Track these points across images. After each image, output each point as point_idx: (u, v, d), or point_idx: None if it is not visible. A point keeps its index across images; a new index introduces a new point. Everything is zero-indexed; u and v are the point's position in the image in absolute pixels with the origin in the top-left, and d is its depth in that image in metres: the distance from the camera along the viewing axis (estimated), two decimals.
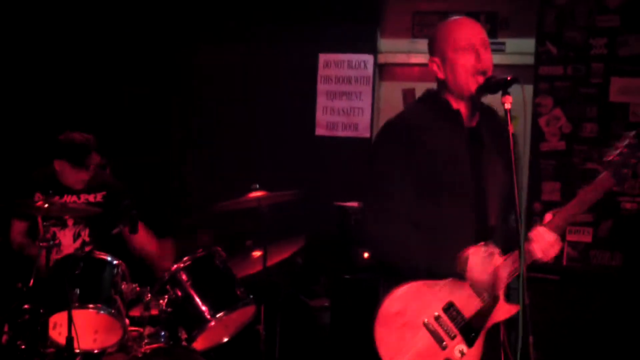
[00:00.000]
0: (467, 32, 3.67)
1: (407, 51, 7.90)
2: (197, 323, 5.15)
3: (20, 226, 6.09)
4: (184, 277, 5.23)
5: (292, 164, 7.73)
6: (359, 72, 7.92)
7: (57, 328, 5.03)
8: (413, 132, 3.71)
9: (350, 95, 7.95)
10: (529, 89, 7.07)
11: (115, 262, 5.28)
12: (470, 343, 3.57)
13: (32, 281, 5.21)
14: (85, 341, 5.02)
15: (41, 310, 4.93)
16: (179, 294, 5.20)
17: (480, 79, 3.59)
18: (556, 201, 6.81)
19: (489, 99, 3.72)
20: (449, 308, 3.58)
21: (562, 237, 3.61)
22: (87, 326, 5.09)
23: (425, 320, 3.57)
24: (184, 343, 5.16)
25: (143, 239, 6.15)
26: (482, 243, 3.57)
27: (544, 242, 3.52)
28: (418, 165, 3.65)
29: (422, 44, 7.60)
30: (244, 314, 5.44)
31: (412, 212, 3.67)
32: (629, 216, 6.80)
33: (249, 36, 8.22)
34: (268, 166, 7.66)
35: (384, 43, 8.03)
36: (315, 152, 7.95)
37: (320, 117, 8.05)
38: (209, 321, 5.14)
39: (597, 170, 3.54)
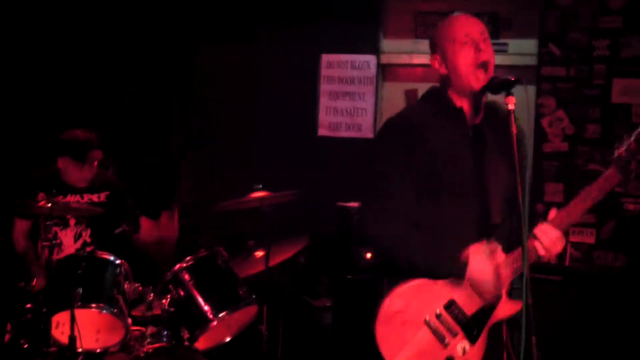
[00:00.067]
0: (465, 27, 3.68)
1: (409, 52, 7.90)
2: (200, 323, 5.14)
3: (22, 225, 6.09)
4: (186, 276, 5.22)
5: (294, 164, 7.73)
6: (361, 73, 7.93)
7: (60, 327, 5.02)
8: (414, 131, 3.70)
9: (353, 96, 7.96)
10: (532, 89, 7.06)
11: (117, 261, 5.28)
12: (472, 340, 3.56)
13: (34, 281, 5.22)
14: (88, 340, 5.01)
15: (44, 310, 4.92)
16: (182, 293, 5.19)
17: (482, 73, 3.59)
18: (559, 202, 6.73)
19: (489, 98, 3.72)
20: (451, 306, 3.57)
21: (566, 236, 3.59)
22: (89, 325, 5.09)
23: (427, 318, 3.56)
24: (186, 343, 5.15)
25: (147, 232, 6.15)
26: (484, 240, 3.57)
27: (547, 239, 3.48)
28: (418, 164, 3.64)
29: (425, 44, 7.55)
30: (246, 313, 5.43)
31: (413, 212, 3.67)
32: (632, 217, 6.80)
33: (249, 36, 8.22)
34: (269, 166, 7.66)
35: (386, 44, 8.04)
36: (317, 152, 7.95)
37: (323, 117, 8.05)
38: (211, 321, 5.13)
39: (600, 171, 3.53)
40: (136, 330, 5.25)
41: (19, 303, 5.06)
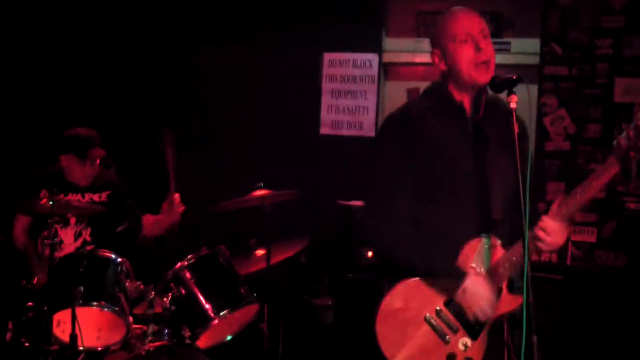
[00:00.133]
0: (464, 23, 3.67)
1: (411, 50, 7.90)
2: (201, 321, 5.14)
3: (24, 222, 6.09)
4: (187, 275, 5.22)
5: (296, 163, 7.72)
6: (363, 71, 7.93)
7: (61, 325, 5.02)
8: (413, 128, 3.71)
9: (355, 94, 7.96)
10: (534, 88, 7.06)
11: (119, 259, 5.29)
12: (474, 336, 3.56)
13: (35, 280, 5.21)
14: (89, 339, 5.00)
15: (45, 308, 4.91)
16: (183, 292, 5.19)
17: (482, 70, 3.59)
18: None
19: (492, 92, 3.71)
20: (451, 302, 3.58)
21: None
22: (90, 324, 5.10)
23: (427, 315, 3.57)
24: (187, 341, 5.14)
25: (150, 228, 6.19)
26: (483, 235, 3.59)
27: (549, 231, 3.48)
28: (418, 162, 3.65)
29: (427, 43, 7.49)
30: (247, 312, 5.43)
31: (413, 210, 3.68)
32: (634, 216, 6.80)
33: (249, 36, 8.23)
34: (270, 166, 7.65)
35: (388, 42, 8.04)
36: (319, 151, 7.96)
37: (325, 116, 8.05)
38: (212, 319, 5.13)
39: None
40: (137, 328, 5.26)
41: (20, 301, 5.06)
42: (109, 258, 5.27)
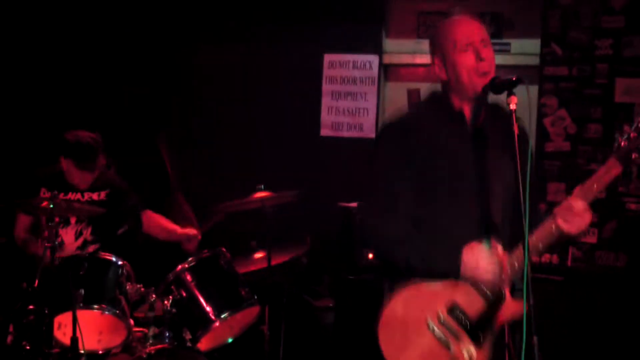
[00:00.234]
0: (465, 31, 3.64)
1: (412, 51, 7.89)
2: (202, 324, 5.15)
3: (25, 221, 6.09)
4: (188, 277, 5.23)
5: (296, 164, 7.72)
6: (364, 73, 7.92)
7: (62, 328, 5.03)
8: (413, 131, 3.69)
9: (355, 96, 7.95)
10: (534, 89, 7.05)
11: (119, 262, 5.29)
12: (477, 343, 3.52)
13: (37, 282, 5.20)
14: (90, 342, 5.00)
15: (46, 311, 4.92)
16: (184, 294, 5.20)
17: (483, 80, 3.56)
18: (561, 202, 6.80)
19: (492, 98, 3.70)
20: (453, 309, 3.54)
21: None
22: (91, 327, 5.10)
23: (429, 322, 3.54)
24: (188, 344, 5.15)
25: (160, 222, 6.22)
26: (483, 239, 3.55)
27: (572, 212, 3.44)
28: (418, 164, 3.63)
29: (427, 44, 7.60)
30: (248, 314, 5.44)
31: (413, 212, 3.65)
32: (634, 217, 6.80)
33: (249, 36, 8.22)
34: (270, 167, 7.65)
35: (389, 43, 8.03)
36: (319, 152, 7.95)
37: (325, 117, 8.04)
38: (213, 322, 5.14)
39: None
40: (138, 331, 5.27)
41: (21, 304, 5.05)
42: (109, 261, 5.28)
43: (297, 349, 6.57)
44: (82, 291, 4.98)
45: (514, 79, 3.39)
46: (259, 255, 6.08)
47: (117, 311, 5.06)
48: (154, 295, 5.19)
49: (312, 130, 8.05)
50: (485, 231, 3.60)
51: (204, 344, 5.25)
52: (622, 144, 3.41)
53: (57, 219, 5.60)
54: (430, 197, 3.64)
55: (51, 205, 5.10)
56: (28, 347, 4.96)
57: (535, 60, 7.28)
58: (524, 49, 7.44)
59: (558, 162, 7.06)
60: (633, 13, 6.85)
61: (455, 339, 3.52)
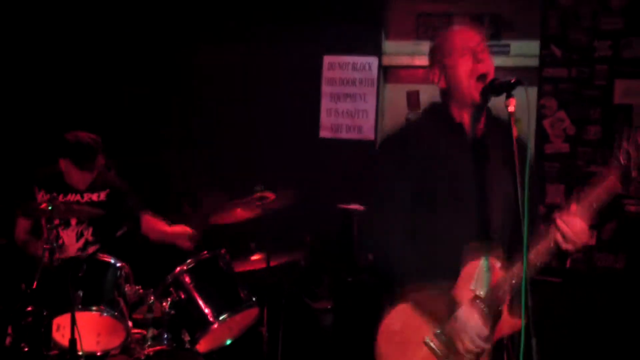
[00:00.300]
0: (462, 37, 3.66)
1: (411, 53, 7.88)
2: (200, 325, 5.15)
3: (25, 224, 6.09)
4: (187, 279, 5.23)
5: (296, 166, 7.71)
6: (363, 74, 7.92)
7: (61, 330, 5.02)
8: (410, 146, 3.70)
9: (354, 97, 7.95)
10: (533, 91, 7.06)
11: (118, 264, 5.28)
12: (474, 358, 3.49)
13: (35, 283, 5.20)
14: (88, 343, 5.01)
15: (44, 312, 4.92)
16: (182, 296, 5.21)
17: (482, 84, 3.55)
18: (560, 204, 6.80)
19: (494, 109, 3.70)
20: (450, 325, 3.52)
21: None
22: (90, 328, 5.09)
23: (426, 337, 3.52)
24: (186, 345, 5.15)
25: (152, 227, 6.20)
26: (482, 255, 3.54)
27: (570, 230, 3.39)
28: (417, 174, 3.63)
29: (427, 46, 7.44)
30: (247, 316, 5.44)
31: (411, 222, 3.65)
32: (633, 218, 6.79)
33: (249, 36, 8.22)
34: (270, 166, 7.65)
35: (388, 45, 8.03)
36: (319, 153, 7.96)
37: (325, 119, 8.04)
38: (212, 323, 5.14)
39: (602, 173, 3.49)
40: (137, 333, 5.26)
41: (20, 306, 5.05)
42: (108, 262, 5.27)
43: (296, 351, 6.56)
44: (81, 293, 4.98)
45: (512, 80, 3.37)
46: (257, 257, 6.07)
47: (116, 313, 5.06)
48: (152, 297, 5.19)
49: (311, 132, 8.06)
50: (483, 243, 3.58)
51: (202, 346, 5.24)
52: (622, 162, 3.40)
53: (57, 221, 5.64)
54: (430, 209, 3.64)
55: (50, 207, 5.10)
56: (26, 349, 4.95)
57: (534, 62, 7.27)
58: (523, 51, 7.43)
59: (557, 164, 7.06)
60: (632, 14, 6.85)
61: (452, 353, 3.51)
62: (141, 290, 5.26)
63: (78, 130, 6.04)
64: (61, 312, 4.92)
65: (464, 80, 3.59)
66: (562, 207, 3.51)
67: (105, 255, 5.32)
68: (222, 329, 5.31)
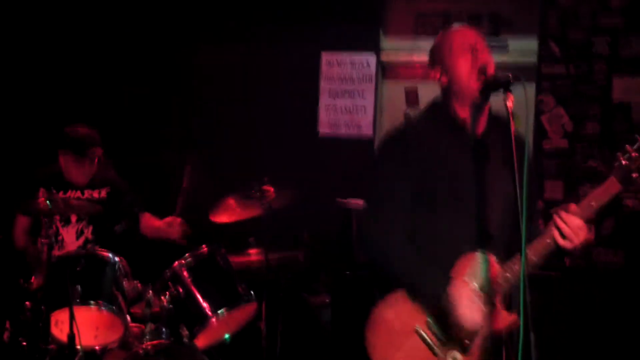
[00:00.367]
0: (462, 35, 3.70)
1: (410, 50, 7.89)
2: (199, 320, 5.16)
3: (24, 222, 6.10)
4: (185, 274, 5.24)
5: (294, 163, 7.70)
6: (361, 71, 7.93)
7: (59, 325, 5.04)
8: (410, 147, 3.71)
9: (353, 94, 7.95)
10: (531, 87, 7.09)
11: (116, 259, 5.30)
12: (464, 350, 3.52)
13: (33, 279, 5.22)
14: (87, 338, 5.02)
15: (43, 307, 4.93)
16: (181, 290, 5.20)
17: (482, 79, 3.56)
18: (558, 199, 6.82)
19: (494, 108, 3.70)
20: (441, 315, 3.54)
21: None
22: (88, 323, 5.10)
23: (417, 326, 3.55)
24: (185, 340, 5.15)
25: (149, 225, 6.22)
26: (480, 251, 3.56)
27: (567, 226, 3.44)
28: (417, 175, 3.65)
29: (425, 42, 7.57)
30: (245, 311, 5.45)
31: (411, 222, 3.67)
32: (632, 214, 6.79)
33: (249, 36, 8.22)
34: (270, 165, 7.63)
35: (386, 42, 8.03)
36: (317, 150, 7.96)
37: (323, 115, 8.05)
38: (210, 318, 5.14)
39: (599, 169, 3.51)
40: (135, 327, 5.28)
41: (18, 301, 5.06)
42: (106, 258, 5.28)
43: (294, 346, 6.57)
44: (79, 288, 4.99)
45: (510, 76, 3.38)
46: (256, 252, 6.08)
47: (114, 307, 5.07)
48: (150, 292, 5.19)
49: (310, 130, 8.07)
50: (481, 243, 3.60)
51: (201, 341, 5.25)
52: (623, 162, 3.41)
53: (57, 217, 5.66)
54: (430, 209, 3.65)
55: (48, 202, 5.11)
56: (25, 344, 4.99)
57: (532, 58, 7.29)
58: (522, 48, 7.43)
59: (555, 160, 7.07)
60: (631, 12, 6.86)
61: (442, 344, 3.53)
62: (139, 285, 5.28)
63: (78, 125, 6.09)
64: (59, 307, 4.94)
65: (464, 76, 3.61)
66: (562, 205, 3.53)
67: (104, 251, 5.33)
68: (221, 324, 5.30)
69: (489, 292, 3.49)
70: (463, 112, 3.70)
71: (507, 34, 7.50)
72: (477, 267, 3.54)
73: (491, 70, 3.58)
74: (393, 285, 3.63)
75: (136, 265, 5.46)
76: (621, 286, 6.18)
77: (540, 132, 7.13)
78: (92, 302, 5.03)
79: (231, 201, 5.98)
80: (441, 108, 3.78)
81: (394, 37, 8.01)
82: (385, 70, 8.11)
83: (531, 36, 7.33)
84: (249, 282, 5.45)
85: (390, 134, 3.89)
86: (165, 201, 7.24)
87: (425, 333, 3.54)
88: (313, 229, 7.04)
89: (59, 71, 8.19)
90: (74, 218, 6.03)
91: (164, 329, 5.13)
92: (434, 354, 3.53)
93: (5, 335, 5.10)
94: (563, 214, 3.46)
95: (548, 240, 3.46)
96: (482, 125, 3.73)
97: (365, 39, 7.93)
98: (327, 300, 6.86)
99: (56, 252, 5.55)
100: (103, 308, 5.05)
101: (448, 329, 3.52)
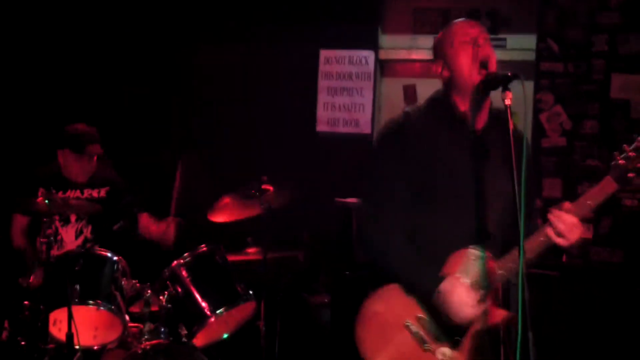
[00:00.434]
0: (464, 29, 3.70)
1: (408, 47, 7.89)
2: (198, 319, 5.17)
3: (21, 221, 6.10)
4: (184, 273, 5.25)
5: (294, 161, 7.71)
6: (360, 68, 7.92)
7: (57, 324, 5.05)
8: (412, 137, 3.72)
9: (351, 92, 7.95)
10: (530, 85, 7.09)
11: (115, 258, 5.30)
12: (454, 346, 3.53)
13: (32, 278, 5.22)
14: (85, 337, 5.03)
15: (41, 307, 4.93)
16: (179, 290, 5.22)
17: (482, 71, 3.57)
18: (557, 197, 6.81)
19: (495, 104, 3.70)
20: (431, 309, 3.55)
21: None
22: (87, 322, 5.11)
23: (407, 321, 3.57)
24: (184, 339, 5.17)
25: (146, 227, 6.21)
26: (476, 247, 3.57)
27: (562, 224, 3.43)
28: (415, 171, 3.65)
29: (423, 40, 7.68)
30: (244, 310, 5.45)
31: (409, 219, 3.67)
32: (629, 213, 6.78)
33: (249, 36, 8.23)
34: (270, 165, 7.63)
35: (385, 39, 8.03)
36: (316, 148, 7.97)
37: (322, 113, 8.05)
38: (209, 317, 5.15)
39: (598, 167, 3.51)
40: (134, 327, 5.28)
41: (16, 300, 5.07)
42: (105, 257, 5.28)
43: (293, 345, 6.58)
44: (78, 287, 4.99)
45: (509, 74, 3.38)
46: (255, 251, 6.08)
47: (113, 307, 5.07)
48: (149, 291, 5.21)
49: (309, 128, 8.07)
50: (478, 241, 3.60)
51: (199, 340, 5.26)
52: (620, 162, 3.42)
53: (56, 217, 5.67)
54: (427, 205, 3.66)
55: (46, 201, 5.12)
56: (23, 343, 4.99)
57: (531, 56, 7.27)
58: (520, 45, 7.41)
59: (554, 158, 7.06)
60: (629, 10, 6.85)
61: (432, 339, 3.54)
62: (138, 285, 5.29)
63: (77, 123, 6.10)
64: (58, 306, 4.95)
65: (465, 69, 3.62)
66: (559, 203, 3.53)
67: (102, 250, 5.34)
68: (219, 323, 5.32)
69: (483, 288, 3.50)
70: (463, 106, 3.70)
71: (506, 31, 7.50)
72: (469, 263, 3.55)
73: (493, 64, 3.59)
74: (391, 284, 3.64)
75: (135, 264, 5.46)
76: (619, 285, 6.17)
77: (538, 130, 7.12)
78: (90, 301, 5.04)
79: (230, 200, 5.95)
80: (441, 103, 3.79)
81: (393, 35, 8.00)
82: (383, 68, 8.10)
83: (530, 34, 7.31)
84: (248, 281, 5.45)
85: (388, 129, 3.89)
86: (165, 201, 7.27)
87: (416, 328, 3.55)
88: (312, 229, 7.05)
89: (59, 71, 8.21)
90: (73, 217, 6.04)
91: (162, 329, 5.14)
92: (424, 349, 3.54)
93: (4, 335, 5.10)
94: (557, 212, 3.46)
95: (542, 238, 3.46)
96: (482, 121, 3.73)
97: (363, 37, 7.92)
98: (327, 300, 6.85)
99: (55, 252, 5.57)
100: (102, 307, 5.05)
101: (439, 324, 3.53)
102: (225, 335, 5.53)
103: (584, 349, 6.04)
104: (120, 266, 5.30)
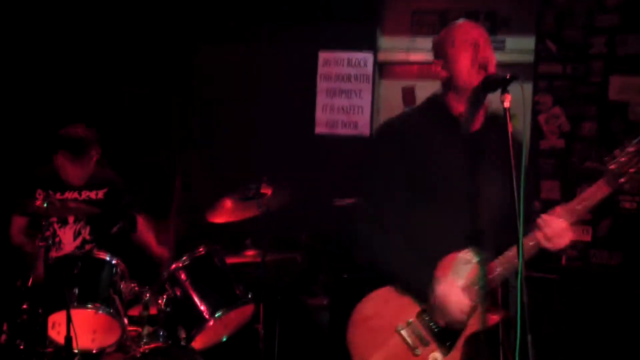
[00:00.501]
0: (466, 29, 3.70)
1: (406, 49, 7.89)
2: (196, 322, 5.17)
3: (20, 222, 6.10)
4: (183, 276, 5.25)
5: (292, 163, 7.71)
6: (358, 70, 7.92)
7: (56, 327, 5.05)
8: (408, 137, 3.72)
9: (349, 93, 7.95)
10: (528, 87, 7.09)
11: (114, 261, 5.30)
12: (445, 351, 3.53)
13: (30, 280, 5.22)
14: (84, 341, 5.03)
15: (40, 310, 4.94)
16: (178, 293, 5.22)
17: (482, 74, 3.57)
18: (555, 199, 6.81)
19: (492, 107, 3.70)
20: (423, 314, 3.56)
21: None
22: (85, 326, 5.11)
23: (398, 325, 3.57)
24: (182, 342, 5.17)
25: (143, 232, 6.22)
26: (471, 249, 3.56)
27: (550, 228, 3.44)
28: (410, 171, 3.65)
29: (422, 42, 7.67)
30: (242, 313, 5.46)
31: (403, 219, 3.68)
32: (628, 215, 6.78)
33: (249, 36, 8.22)
34: (270, 165, 7.64)
35: (383, 41, 8.02)
36: (315, 150, 7.96)
37: (320, 115, 8.05)
38: (207, 320, 5.16)
39: (596, 169, 3.51)
40: (133, 330, 5.28)
41: (15, 303, 5.07)
42: (103, 260, 5.29)
43: (292, 348, 6.57)
44: (76, 290, 5.00)
45: (508, 76, 3.37)
46: (253, 253, 6.08)
47: (111, 310, 5.08)
48: (148, 294, 5.21)
49: (307, 129, 8.07)
50: (472, 242, 3.59)
51: (198, 343, 5.26)
52: (612, 167, 3.42)
53: (55, 219, 5.67)
54: (422, 206, 3.66)
55: (45, 204, 5.12)
56: (22, 347, 5.00)
57: (529, 58, 7.26)
58: (519, 46, 7.41)
59: (552, 160, 7.05)
60: (627, 11, 6.84)
61: (422, 343, 3.54)
62: (137, 288, 5.29)
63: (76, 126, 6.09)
64: (57, 309, 4.94)
65: (464, 70, 3.62)
66: (557, 205, 3.54)
67: (101, 253, 5.34)
68: (218, 325, 5.32)
69: (479, 290, 3.51)
70: (460, 107, 3.70)
71: (504, 32, 7.50)
72: (459, 266, 3.55)
73: (492, 66, 3.59)
74: (388, 284, 3.64)
75: (134, 266, 5.46)
76: (618, 288, 6.17)
77: (536, 132, 7.11)
78: (89, 304, 5.05)
79: (229, 202, 5.95)
80: (438, 104, 3.78)
81: (391, 37, 8.00)
82: (382, 70, 8.10)
83: (528, 35, 7.31)
84: (247, 283, 5.46)
85: (385, 128, 3.90)
86: (165, 201, 7.27)
87: (407, 332, 3.56)
88: (311, 230, 7.04)
89: (59, 71, 8.20)
90: (71, 219, 6.04)
91: (161, 332, 5.16)
92: (414, 354, 3.54)
93: (3, 338, 5.11)
94: (546, 217, 3.48)
95: (532, 243, 3.47)
96: (478, 122, 3.73)
97: (362, 39, 7.92)
98: (325, 303, 6.85)
99: (54, 254, 5.58)
100: (100, 310, 5.06)
101: (432, 327, 3.54)
102: (224, 338, 5.53)
103: (584, 351, 6.04)
104: (119, 269, 5.30)
